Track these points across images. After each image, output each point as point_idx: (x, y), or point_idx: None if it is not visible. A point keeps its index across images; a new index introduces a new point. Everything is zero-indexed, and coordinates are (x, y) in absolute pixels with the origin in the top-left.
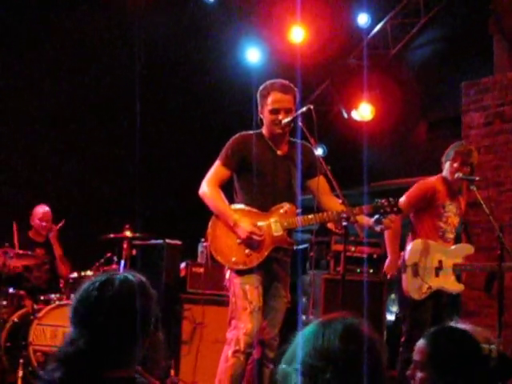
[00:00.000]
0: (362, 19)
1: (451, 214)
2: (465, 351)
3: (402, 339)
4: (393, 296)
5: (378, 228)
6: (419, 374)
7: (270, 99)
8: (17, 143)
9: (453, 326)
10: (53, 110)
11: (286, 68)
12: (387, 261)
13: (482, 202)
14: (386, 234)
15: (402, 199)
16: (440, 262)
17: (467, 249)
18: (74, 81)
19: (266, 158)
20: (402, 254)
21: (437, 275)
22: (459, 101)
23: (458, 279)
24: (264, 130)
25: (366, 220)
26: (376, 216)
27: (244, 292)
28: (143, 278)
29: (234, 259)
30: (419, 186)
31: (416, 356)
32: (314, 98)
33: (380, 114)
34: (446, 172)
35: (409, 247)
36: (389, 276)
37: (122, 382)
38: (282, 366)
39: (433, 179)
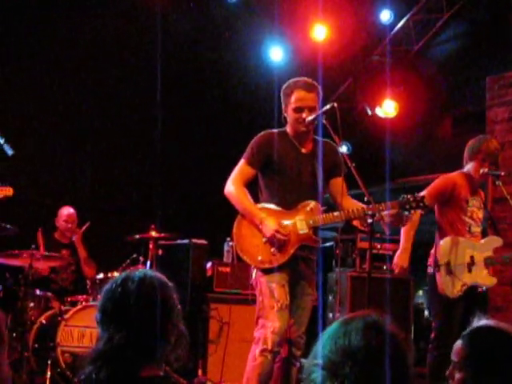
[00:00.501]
0: (385, 16)
1: (475, 209)
2: (504, 350)
3: (432, 336)
4: (420, 293)
5: (396, 223)
6: (457, 375)
7: (293, 97)
8: (41, 146)
9: (490, 326)
10: (75, 111)
11: (309, 66)
12: (398, 253)
13: (507, 198)
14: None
15: (423, 193)
16: (472, 257)
17: (496, 241)
18: (95, 81)
19: (289, 156)
20: (433, 252)
21: (469, 271)
22: (483, 96)
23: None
24: (288, 129)
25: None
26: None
27: (271, 290)
28: (159, 274)
29: (260, 258)
30: (440, 180)
31: (454, 357)
32: (337, 96)
33: (404, 110)
34: (470, 169)
35: (440, 246)
36: (397, 271)
37: (158, 380)
38: (307, 361)
39: (454, 174)
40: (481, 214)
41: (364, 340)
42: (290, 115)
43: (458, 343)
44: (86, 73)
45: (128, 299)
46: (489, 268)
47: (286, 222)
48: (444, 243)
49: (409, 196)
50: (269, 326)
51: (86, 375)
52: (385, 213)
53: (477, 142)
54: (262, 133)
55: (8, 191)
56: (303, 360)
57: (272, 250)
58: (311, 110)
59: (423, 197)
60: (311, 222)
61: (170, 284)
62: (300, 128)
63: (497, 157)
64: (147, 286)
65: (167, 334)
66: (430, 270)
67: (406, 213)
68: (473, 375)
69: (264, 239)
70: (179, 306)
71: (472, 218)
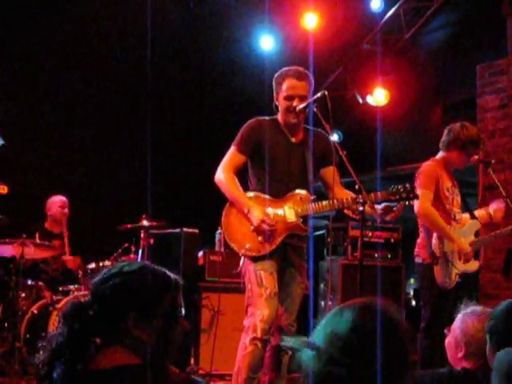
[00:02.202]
0: (375, 4)
1: (455, 196)
2: None
3: (422, 325)
4: (411, 281)
5: (387, 217)
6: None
7: (284, 86)
8: (31, 136)
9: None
10: (65, 101)
11: (299, 55)
12: (458, 244)
13: (498, 185)
14: (434, 221)
15: (421, 191)
16: None
17: (475, 225)
18: (86, 72)
19: (280, 144)
20: (419, 242)
21: (460, 258)
22: (474, 84)
23: (475, 256)
24: (279, 117)
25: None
26: (385, 204)
27: (259, 278)
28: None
29: (247, 246)
30: (426, 169)
31: None
32: (328, 84)
33: (395, 98)
34: (445, 156)
35: (434, 239)
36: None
37: (131, 369)
38: (302, 350)
39: (431, 163)
40: (459, 199)
41: (353, 324)
42: (280, 103)
43: None
44: (77, 63)
45: (115, 277)
46: (476, 252)
47: (275, 211)
48: (438, 236)
49: (399, 186)
50: (258, 314)
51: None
52: (377, 208)
53: (455, 129)
54: (253, 119)
55: (2, 189)
56: (289, 339)
57: (260, 238)
58: (302, 98)
59: (414, 187)
60: (300, 210)
61: (171, 279)
62: (290, 117)
63: (477, 145)
64: (143, 269)
65: (139, 318)
66: (419, 259)
67: (394, 205)
68: (496, 346)
69: (251, 227)
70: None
71: (454, 204)
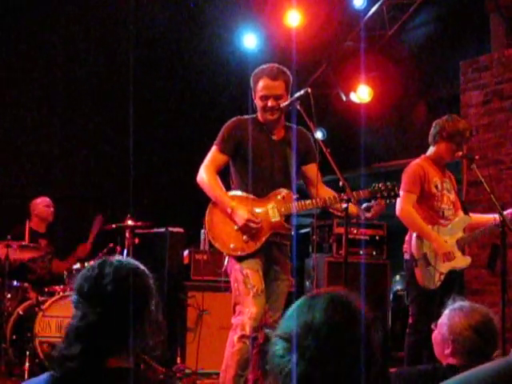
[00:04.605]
0: (358, 1)
1: (445, 192)
2: None
3: (410, 321)
4: (397, 277)
5: (368, 215)
6: None
7: (259, 85)
8: (14, 135)
9: None
10: (47, 99)
11: (283, 52)
12: (437, 244)
13: (482, 181)
14: (413, 223)
15: (403, 194)
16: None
17: (465, 220)
18: (71, 68)
19: (261, 142)
20: (407, 239)
21: (442, 259)
22: (457, 80)
23: (464, 253)
24: (259, 116)
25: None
26: (365, 204)
27: (245, 277)
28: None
29: (232, 246)
30: (411, 168)
31: None
32: (311, 82)
33: (378, 95)
34: (434, 151)
35: (413, 241)
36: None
37: (125, 372)
38: (275, 341)
39: (417, 162)
40: (452, 195)
41: (327, 315)
42: (257, 103)
43: None
44: (58, 60)
45: (103, 279)
46: (463, 249)
47: (258, 210)
48: (417, 237)
49: (380, 185)
50: (246, 312)
51: (57, 351)
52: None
53: (441, 121)
54: (234, 118)
55: None
56: (267, 330)
57: (244, 237)
58: (277, 98)
59: (395, 185)
60: (283, 209)
61: (149, 274)
62: (267, 116)
63: (464, 135)
64: (124, 269)
65: (142, 322)
66: (406, 255)
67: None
68: None
69: (236, 227)
70: (158, 298)
71: (443, 201)
